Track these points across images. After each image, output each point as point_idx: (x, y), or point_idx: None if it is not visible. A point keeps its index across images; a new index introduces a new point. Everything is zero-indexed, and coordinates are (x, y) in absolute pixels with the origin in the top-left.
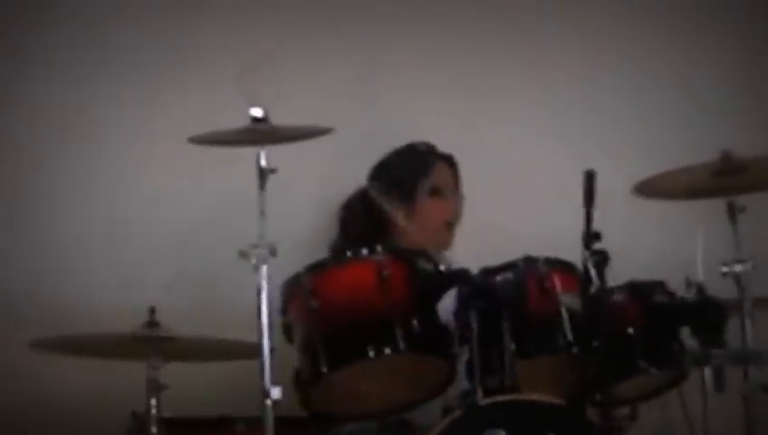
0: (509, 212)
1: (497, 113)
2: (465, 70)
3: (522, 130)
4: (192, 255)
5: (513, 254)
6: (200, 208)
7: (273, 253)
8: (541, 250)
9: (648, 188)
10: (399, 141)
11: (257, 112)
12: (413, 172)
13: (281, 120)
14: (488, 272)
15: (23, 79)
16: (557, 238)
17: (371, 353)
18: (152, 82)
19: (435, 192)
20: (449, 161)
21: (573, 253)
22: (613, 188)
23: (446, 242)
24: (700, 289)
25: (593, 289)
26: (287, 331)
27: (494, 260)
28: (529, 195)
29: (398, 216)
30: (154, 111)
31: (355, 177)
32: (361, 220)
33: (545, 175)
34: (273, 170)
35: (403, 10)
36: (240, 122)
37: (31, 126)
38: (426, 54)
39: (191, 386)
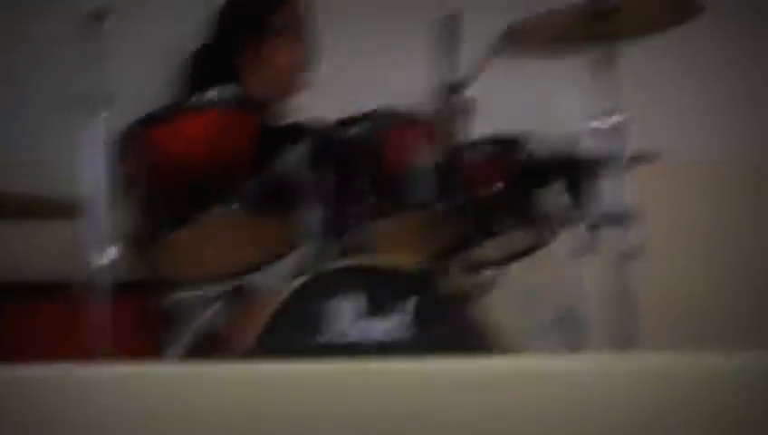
0: (366, 61)
1: None
2: None
3: None
4: (14, 105)
5: (369, 105)
6: (24, 56)
7: (106, 102)
8: (399, 101)
9: (514, 36)
10: None
11: None
12: (259, 9)
13: None
14: (341, 124)
15: None
16: (416, 89)
17: (209, 212)
18: None
19: (283, 31)
20: None
21: (435, 104)
22: (478, 36)
23: (295, 88)
24: (570, 144)
25: (454, 143)
26: (121, 188)
27: (349, 112)
28: (385, 44)
29: (245, 60)
30: None
31: (199, 21)
32: (206, 69)
33: (401, 23)
34: (106, 13)
35: None
36: None
37: None
38: None
39: (11, 248)
